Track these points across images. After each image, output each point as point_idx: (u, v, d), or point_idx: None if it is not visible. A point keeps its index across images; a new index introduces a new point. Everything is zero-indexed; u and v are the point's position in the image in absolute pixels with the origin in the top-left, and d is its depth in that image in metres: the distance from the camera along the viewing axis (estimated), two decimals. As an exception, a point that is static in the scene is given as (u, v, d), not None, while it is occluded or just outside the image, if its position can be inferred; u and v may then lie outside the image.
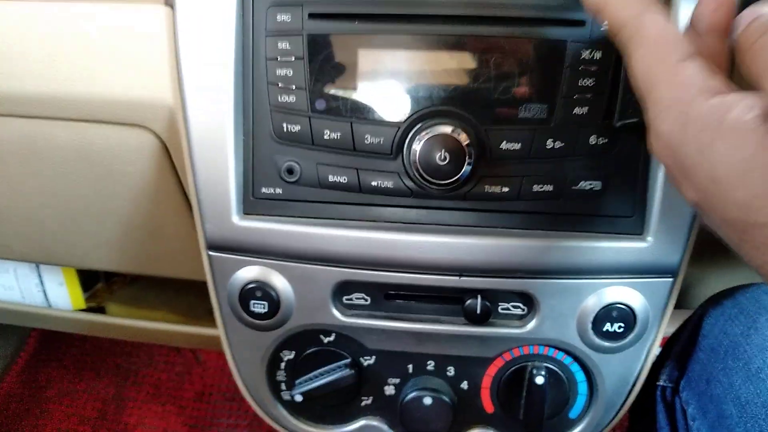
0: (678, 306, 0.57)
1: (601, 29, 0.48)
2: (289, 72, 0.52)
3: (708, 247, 0.62)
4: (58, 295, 0.96)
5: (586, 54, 0.49)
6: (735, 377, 0.52)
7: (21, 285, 0.94)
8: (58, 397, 1.42)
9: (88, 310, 0.99)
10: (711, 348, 0.56)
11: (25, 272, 0.94)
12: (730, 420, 0.51)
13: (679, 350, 0.61)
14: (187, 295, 1.02)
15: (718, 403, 0.53)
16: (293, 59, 0.51)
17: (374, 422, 0.62)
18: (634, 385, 0.58)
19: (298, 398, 0.60)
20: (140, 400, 1.43)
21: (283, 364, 0.61)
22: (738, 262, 0.69)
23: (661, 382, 0.61)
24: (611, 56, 0.49)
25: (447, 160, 0.50)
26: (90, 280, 1.00)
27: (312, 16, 0.51)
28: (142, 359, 1.49)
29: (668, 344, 0.64)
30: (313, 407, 0.62)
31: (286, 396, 0.62)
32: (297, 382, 0.59)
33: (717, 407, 0.53)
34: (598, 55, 0.49)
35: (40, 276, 0.94)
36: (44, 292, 0.95)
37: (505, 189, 0.52)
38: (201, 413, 1.41)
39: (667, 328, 0.57)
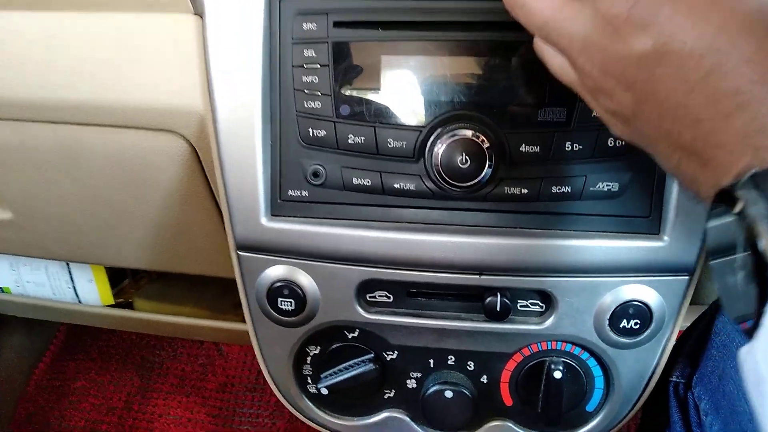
0: (693, 302, 0.58)
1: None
2: (315, 79, 0.53)
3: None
4: (87, 292, 0.99)
5: (604, 58, 0.50)
6: None
7: (52, 282, 0.98)
8: (86, 389, 1.47)
9: (116, 305, 1.02)
10: (723, 345, 0.57)
11: (56, 270, 0.97)
12: (743, 416, 0.52)
13: (692, 346, 0.62)
14: (211, 291, 1.05)
15: (730, 398, 0.54)
16: (318, 66, 0.53)
17: (397, 414, 0.64)
18: (649, 380, 0.60)
19: (324, 391, 0.62)
20: (165, 391, 1.47)
21: (309, 359, 0.63)
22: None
23: (674, 378, 0.62)
24: (629, 60, 0.50)
25: (468, 163, 0.51)
26: (117, 276, 1.03)
27: (337, 24, 0.52)
28: (167, 352, 1.53)
29: (681, 340, 0.65)
30: (337, 400, 0.65)
31: (312, 389, 0.64)
32: (322, 375, 0.62)
33: (730, 403, 0.54)
34: (615, 59, 0.50)
35: (70, 273, 0.98)
36: (74, 288, 0.99)
37: (525, 190, 0.54)
38: (224, 404, 1.45)
39: (684, 321, 0.59)
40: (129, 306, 1.04)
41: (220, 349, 1.52)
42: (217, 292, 1.05)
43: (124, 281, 1.05)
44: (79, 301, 1.00)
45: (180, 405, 1.45)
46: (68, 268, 0.98)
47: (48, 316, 1.05)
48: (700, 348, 0.60)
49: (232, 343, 1.48)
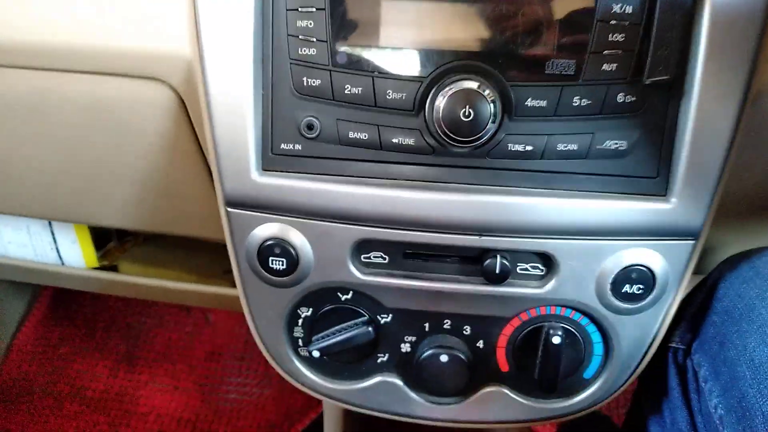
0: (694, 271, 0.57)
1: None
2: (310, 23, 0.50)
3: (730, 210, 0.62)
4: (71, 253, 0.96)
5: (617, 7, 0.48)
6: (749, 339, 0.52)
7: (34, 243, 0.95)
8: (71, 355, 1.45)
9: (101, 268, 1.00)
10: (725, 310, 0.56)
11: (38, 230, 0.94)
12: (743, 382, 0.51)
13: (692, 312, 0.61)
14: (199, 255, 1.02)
15: (731, 365, 0.53)
16: (314, 10, 0.50)
17: (390, 379, 0.62)
18: (649, 347, 0.58)
19: (316, 354, 0.60)
20: (151, 359, 1.45)
21: (300, 321, 0.61)
22: (759, 227, 0.68)
23: (673, 344, 0.61)
24: (643, 10, 0.47)
25: (471, 117, 0.49)
26: (103, 239, 1.00)
27: None
28: (153, 319, 1.51)
29: (681, 306, 0.64)
30: (330, 363, 0.63)
31: (303, 352, 0.62)
32: (314, 338, 0.60)
33: (730, 369, 0.53)
34: (629, 8, 0.48)
35: (53, 234, 0.95)
36: (57, 250, 0.96)
37: (529, 147, 0.51)
38: (211, 372, 1.44)
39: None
40: (114, 269, 1.02)
41: (207, 317, 1.51)
42: (206, 257, 1.02)
43: (109, 244, 1.03)
44: (63, 263, 0.98)
45: (167, 373, 1.44)
46: (51, 228, 0.95)
47: (30, 278, 1.02)
48: (701, 314, 0.59)
49: (220, 309, 1.47)
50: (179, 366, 1.45)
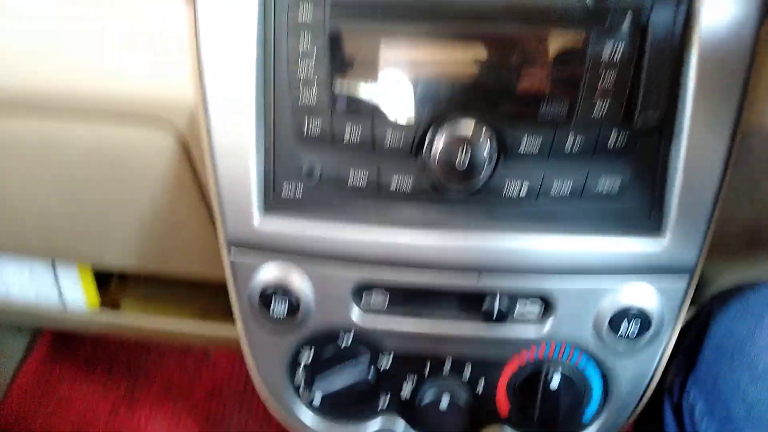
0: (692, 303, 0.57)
1: (623, 27, 0.49)
2: (311, 70, 0.52)
3: (725, 244, 0.63)
4: (72, 294, 0.97)
5: (607, 52, 0.49)
6: (741, 377, 0.52)
7: (36, 284, 0.95)
8: (71, 394, 1.43)
9: (103, 308, 1.00)
10: (717, 347, 0.57)
11: (40, 271, 0.94)
12: (737, 421, 0.51)
13: (686, 348, 0.61)
14: (200, 295, 1.02)
15: (725, 402, 0.53)
16: (316, 56, 0.52)
17: (392, 422, 0.62)
18: (647, 387, 0.58)
19: (317, 398, 0.60)
20: (152, 398, 1.44)
21: (302, 365, 0.61)
22: (752, 260, 0.69)
23: (668, 381, 0.61)
24: (632, 55, 0.49)
25: (467, 161, 0.50)
26: (104, 279, 1.01)
27: (335, 9, 0.50)
28: (153, 357, 1.50)
29: (676, 342, 0.64)
30: (332, 406, 0.63)
31: (305, 396, 0.62)
32: (316, 382, 0.60)
33: (724, 407, 0.53)
34: (619, 54, 0.49)
35: (55, 274, 0.95)
36: (59, 290, 0.96)
37: (525, 189, 0.52)
38: (212, 411, 1.42)
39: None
40: (116, 308, 1.02)
41: (208, 355, 1.50)
42: (206, 297, 1.02)
43: (111, 283, 1.03)
44: (64, 303, 0.98)
45: (167, 412, 1.42)
46: (53, 269, 0.95)
47: (31, 322, 1.02)
48: (695, 350, 0.59)
49: (221, 349, 1.46)
50: (180, 404, 1.44)
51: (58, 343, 1.50)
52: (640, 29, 0.48)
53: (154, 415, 1.41)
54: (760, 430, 0.49)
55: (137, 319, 0.99)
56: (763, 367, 0.51)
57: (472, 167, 0.50)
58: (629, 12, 0.48)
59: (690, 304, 0.59)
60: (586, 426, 0.61)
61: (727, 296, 0.60)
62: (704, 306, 0.63)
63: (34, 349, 1.48)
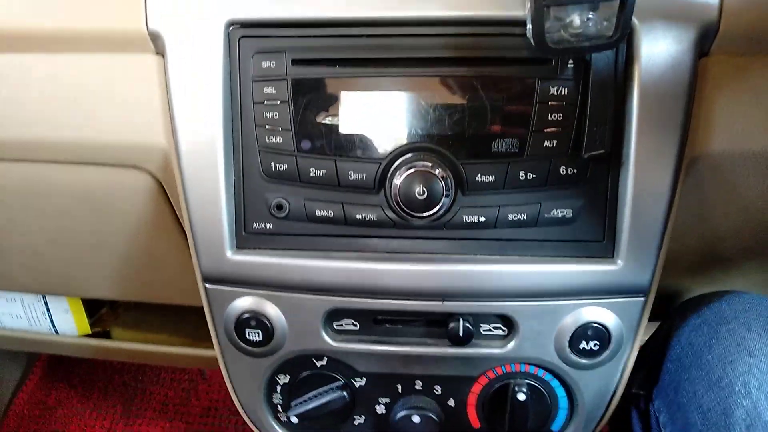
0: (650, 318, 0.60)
1: (568, 65, 0.52)
2: (275, 114, 0.55)
3: (684, 261, 0.65)
4: (64, 322, 0.99)
5: (553, 90, 0.52)
6: (698, 386, 0.54)
7: (28, 313, 0.98)
8: (68, 417, 1.45)
9: (94, 335, 1.02)
10: (678, 358, 0.59)
11: (31, 301, 0.97)
12: (694, 428, 0.53)
13: (650, 359, 0.63)
14: (189, 318, 1.05)
15: (684, 411, 0.55)
16: (278, 102, 0.55)
17: (368, 440, 0.65)
18: (611, 398, 0.61)
19: (294, 419, 0.63)
20: (148, 417, 1.46)
21: (279, 387, 0.64)
22: (714, 274, 0.71)
23: (634, 390, 0.63)
24: (577, 92, 0.52)
25: (425, 194, 0.53)
26: (95, 305, 1.03)
27: (295, 62, 0.54)
28: (149, 377, 1.52)
29: (641, 353, 0.67)
30: (309, 427, 0.65)
31: (282, 417, 0.65)
32: (292, 404, 0.62)
33: (683, 415, 0.55)
34: (564, 90, 0.52)
35: (46, 304, 0.98)
36: (51, 319, 0.99)
37: (483, 218, 0.55)
38: (208, 428, 1.44)
39: (643, 336, 0.60)
40: (106, 335, 1.04)
41: (203, 373, 1.52)
42: (195, 320, 1.05)
43: (101, 310, 1.05)
44: (56, 332, 1.00)
45: (164, 431, 1.44)
46: (44, 299, 0.98)
47: (25, 347, 1.04)
48: (658, 362, 0.62)
49: (207, 368, 1.48)
50: (176, 423, 1.45)
51: (53, 366, 1.52)
52: (583, 68, 0.51)
53: (150, 433, 1.43)
54: None
55: (127, 345, 1.01)
56: (716, 377, 0.53)
57: (430, 199, 0.53)
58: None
59: (652, 320, 0.62)
60: (555, 436, 0.64)
61: (686, 308, 0.63)
62: (665, 319, 0.65)
63: (30, 373, 1.50)
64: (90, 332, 1.01)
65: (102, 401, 1.48)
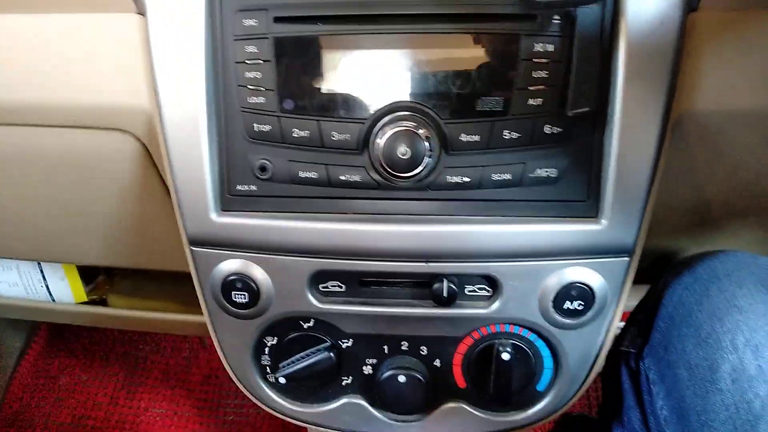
0: (641, 281, 0.60)
1: (553, 21, 0.51)
2: (258, 74, 0.54)
3: (673, 222, 0.65)
4: (60, 290, 1.00)
5: (538, 47, 0.51)
6: (687, 343, 0.55)
7: (24, 281, 0.99)
8: (71, 385, 1.48)
9: (91, 302, 1.04)
10: (669, 316, 0.59)
11: (27, 269, 0.98)
12: (682, 383, 0.54)
13: (642, 318, 0.64)
14: (185, 285, 1.05)
15: (673, 368, 0.56)
16: (261, 62, 0.54)
17: (355, 400, 0.66)
18: (596, 359, 0.61)
19: (282, 380, 0.64)
20: (149, 385, 1.48)
21: (267, 349, 0.64)
22: (706, 234, 0.71)
23: (624, 348, 0.64)
24: (563, 48, 0.51)
25: (408, 154, 0.52)
26: (91, 273, 1.04)
27: (277, 19, 0.53)
28: (150, 346, 1.55)
29: (634, 312, 0.67)
30: (297, 388, 0.66)
31: (271, 378, 0.66)
32: (280, 365, 0.63)
33: (672, 372, 0.56)
34: (550, 47, 0.51)
35: (42, 272, 0.99)
36: (47, 287, 1.00)
37: (466, 179, 0.55)
38: (209, 395, 1.47)
39: (632, 297, 0.60)
40: (103, 302, 1.05)
41: (203, 341, 1.54)
42: (191, 287, 1.05)
43: (98, 278, 1.06)
44: (53, 300, 1.01)
45: (165, 398, 1.47)
46: (40, 266, 0.99)
47: (23, 315, 1.06)
48: (649, 320, 0.62)
49: (206, 336, 1.50)
50: (177, 391, 1.48)
51: (55, 336, 1.54)
52: (569, 24, 0.50)
53: (152, 401, 1.46)
54: (699, 390, 0.52)
55: (124, 313, 1.02)
56: (705, 334, 0.54)
57: (413, 159, 0.53)
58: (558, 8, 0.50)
59: (643, 283, 0.62)
60: (541, 395, 0.64)
61: (679, 267, 0.63)
62: (658, 280, 0.65)
63: (32, 342, 1.52)
64: (87, 300, 1.03)
65: (104, 370, 1.51)
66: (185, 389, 1.48)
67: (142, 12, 0.55)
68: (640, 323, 0.64)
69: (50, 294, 1.01)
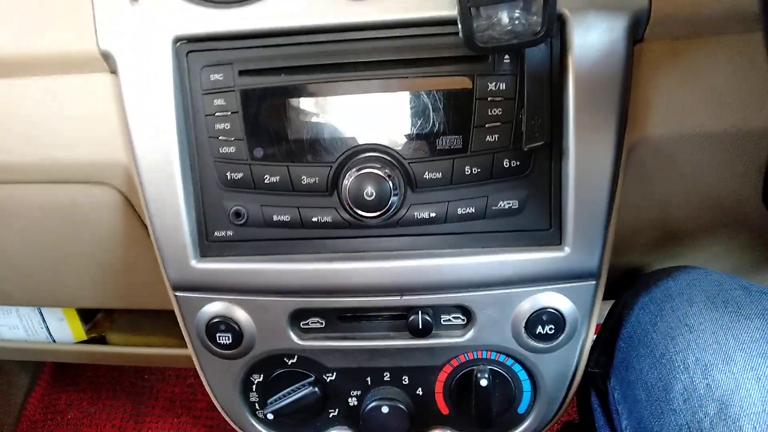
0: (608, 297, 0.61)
1: (504, 61, 0.53)
2: (227, 125, 0.57)
3: (640, 241, 0.67)
4: (60, 330, 1.02)
5: (492, 86, 0.54)
6: (644, 364, 0.56)
7: (25, 324, 1.01)
8: (79, 419, 1.50)
9: (91, 340, 1.06)
10: (629, 336, 0.60)
11: (27, 312, 1.00)
12: (640, 404, 0.55)
13: (605, 338, 0.65)
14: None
15: (632, 388, 0.57)
16: (229, 113, 0.56)
17: (343, 431, 0.67)
18: (572, 379, 0.63)
19: (270, 415, 0.65)
20: (156, 414, 1.50)
21: (254, 386, 0.66)
22: (672, 250, 0.72)
23: (590, 369, 0.65)
24: (515, 86, 0.53)
25: (374, 195, 0.54)
26: (90, 311, 1.06)
27: (242, 72, 0.55)
28: (155, 375, 1.56)
29: (600, 333, 0.68)
30: (286, 422, 0.68)
31: (260, 414, 0.68)
32: (268, 401, 0.65)
33: (632, 392, 0.57)
34: (502, 86, 0.53)
35: (41, 314, 1.01)
36: (47, 328, 1.02)
37: (433, 214, 0.57)
38: (214, 421, 1.48)
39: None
40: (103, 340, 1.08)
41: (206, 369, 1.55)
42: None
43: (97, 316, 1.08)
44: (53, 340, 1.04)
45: (173, 426, 1.48)
46: (39, 309, 1.01)
47: (24, 357, 1.08)
48: (611, 340, 0.63)
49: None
50: (183, 418, 1.49)
51: (60, 371, 1.56)
52: (518, 63, 0.53)
53: (159, 429, 1.48)
54: (656, 410, 0.53)
55: (123, 350, 1.04)
56: (659, 354, 0.55)
57: (380, 200, 0.55)
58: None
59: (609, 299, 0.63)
60: (522, 417, 0.66)
61: (637, 287, 0.64)
62: (617, 299, 0.67)
63: (38, 378, 1.54)
64: (86, 338, 1.05)
65: (111, 401, 1.53)
66: (191, 416, 1.50)
67: (114, 71, 0.57)
68: (605, 343, 0.65)
69: (50, 335, 1.03)
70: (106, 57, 0.56)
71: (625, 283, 0.69)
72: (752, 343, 0.50)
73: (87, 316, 1.05)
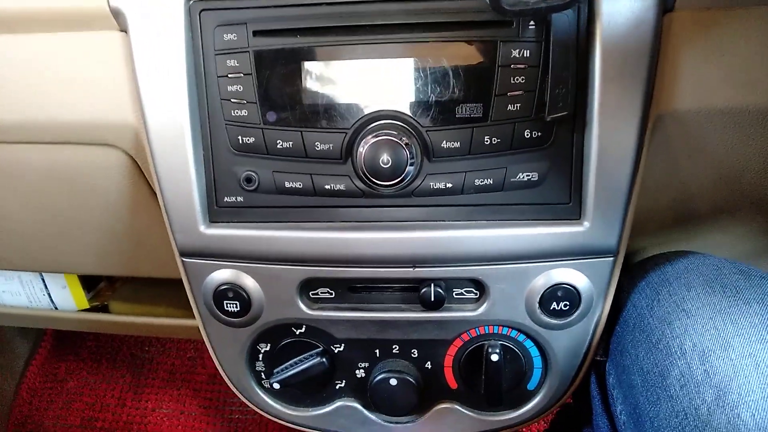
0: None
1: (529, 27, 0.51)
2: (240, 87, 0.55)
3: (657, 222, 0.65)
4: (62, 297, 1.01)
5: (516, 53, 0.52)
6: (640, 349, 0.55)
7: (27, 290, 1.00)
8: (78, 388, 1.50)
9: (93, 309, 1.05)
10: (625, 320, 0.59)
11: (29, 278, 0.99)
12: (636, 389, 0.54)
13: (605, 323, 0.64)
14: (185, 290, 1.07)
15: (628, 373, 0.56)
16: (242, 75, 0.55)
17: (349, 403, 0.67)
18: (585, 357, 0.62)
19: (277, 386, 0.65)
20: (156, 386, 1.50)
21: (260, 356, 0.66)
22: (686, 233, 0.71)
23: (591, 354, 0.64)
24: (539, 54, 0.52)
25: (390, 163, 0.53)
26: (93, 280, 1.05)
27: (256, 33, 0.54)
28: (156, 347, 1.56)
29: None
30: (292, 392, 0.67)
31: (266, 384, 0.67)
32: (275, 371, 0.64)
33: (627, 378, 0.56)
34: (527, 53, 0.52)
35: (44, 281, 1.00)
36: (49, 295, 1.01)
37: (449, 184, 0.55)
38: (214, 394, 1.49)
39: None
40: (105, 309, 1.07)
41: (207, 342, 1.55)
42: (190, 290, 1.07)
43: (99, 284, 1.08)
44: (55, 307, 1.03)
45: (172, 398, 1.49)
46: (41, 275, 1.00)
47: (26, 323, 1.07)
48: (610, 325, 0.62)
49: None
50: (183, 391, 1.50)
51: (61, 340, 1.56)
52: (544, 29, 0.51)
53: (159, 401, 1.48)
54: (652, 397, 0.52)
55: (125, 319, 1.03)
56: (656, 339, 0.54)
57: (396, 168, 0.53)
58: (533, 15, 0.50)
59: None
60: (532, 394, 0.65)
61: (633, 270, 0.63)
62: (616, 284, 0.66)
63: (39, 347, 1.54)
64: (89, 306, 1.04)
65: (111, 372, 1.53)
66: (191, 389, 1.50)
67: (124, 29, 0.55)
68: (605, 329, 0.64)
69: (52, 302, 1.02)
70: (117, 14, 0.55)
71: (624, 267, 0.68)
72: (751, 328, 0.48)
73: (89, 284, 1.04)
